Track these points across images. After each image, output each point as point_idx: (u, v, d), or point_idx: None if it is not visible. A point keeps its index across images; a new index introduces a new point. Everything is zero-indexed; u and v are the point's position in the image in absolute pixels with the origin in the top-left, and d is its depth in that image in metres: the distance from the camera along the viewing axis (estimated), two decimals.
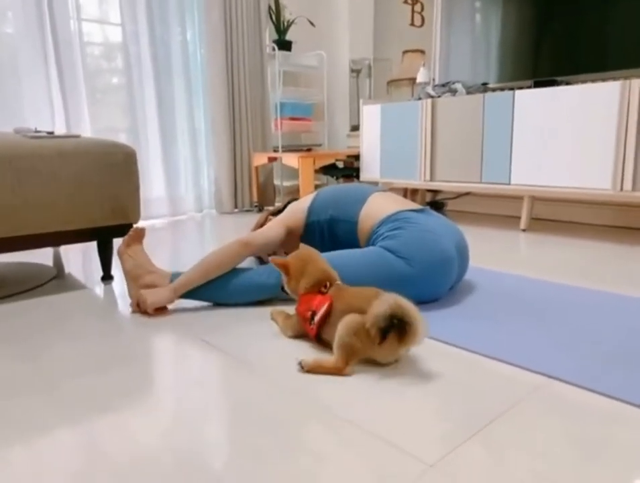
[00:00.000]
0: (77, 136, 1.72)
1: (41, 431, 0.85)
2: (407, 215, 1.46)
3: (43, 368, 1.09)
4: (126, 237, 1.52)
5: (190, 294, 1.43)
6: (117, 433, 0.84)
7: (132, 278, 1.47)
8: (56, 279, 1.84)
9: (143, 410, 0.91)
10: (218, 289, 1.43)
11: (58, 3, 2.76)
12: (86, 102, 2.95)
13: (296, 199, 1.79)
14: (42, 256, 2.23)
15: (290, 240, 1.60)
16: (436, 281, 1.41)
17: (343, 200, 1.58)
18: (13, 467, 0.75)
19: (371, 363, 1.05)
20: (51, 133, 1.74)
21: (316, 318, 1.11)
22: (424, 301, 1.42)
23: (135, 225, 1.80)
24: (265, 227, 1.59)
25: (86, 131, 2.94)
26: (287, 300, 1.41)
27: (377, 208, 1.52)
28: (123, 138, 3.17)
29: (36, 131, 1.77)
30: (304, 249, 1.27)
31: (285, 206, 1.83)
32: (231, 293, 1.44)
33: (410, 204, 1.54)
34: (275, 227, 1.57)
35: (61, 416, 0.89)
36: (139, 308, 1.41)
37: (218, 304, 1.47)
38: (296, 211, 1.64)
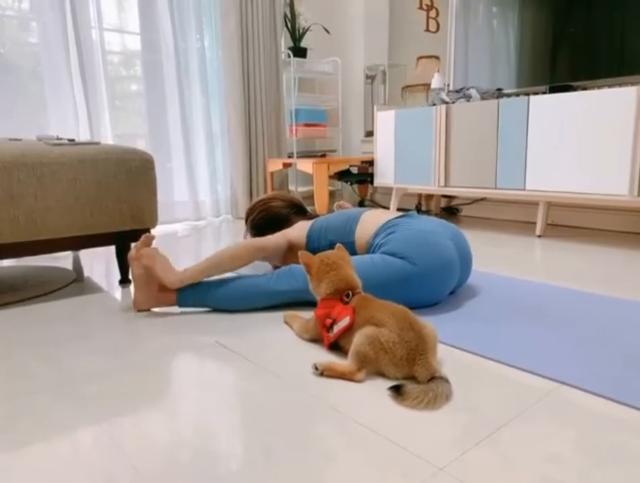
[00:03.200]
0: (97, 143, 1.76)
1: (61, 429, 0.88)
2: (396, 221, 1.53)
3: (62, 368, 1.12)
4: (138, 242, 1.49)
5: (194, 301, 1.46)
6: (135, 432, 0.86)
7: (141, 285, 1.46)
8: (76, 282, 1.88)
9: (159, 410, 0.93)
10: (225, 295, 1.44)
11: (80, 13, 2.84)
12: (108, 109, 3.02)
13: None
14: (62, 260, 2.28)
15: (292, 258, 1.60)
16: (438, 276, 1.42)
17: (339, 224, 1.61)
18: (34, 464, 0.78)
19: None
20: (72, 140, 1.79)
21: (336, 329, 1.12)
22: (428, 303, 1.45)
23: (152, 231, 1.83)
24: (270, 236, 1.62)
25: (108, 137, 3.01)
26: (297, 304, 1.44)
27: (369, 223, 1.56)
28: (143, 144, 3.24)
29: (58, 139, 1.82)
30: (335, 254, 1.25)
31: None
32: (238, 299, 1.45)
33: (399, 214, 1.60)
34: (280, 236, 1.61)
35: (80, 415, 0.92)
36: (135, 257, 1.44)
37: (226, 311, 1.47)
38: (298, 235, 1.65)
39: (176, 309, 1.49)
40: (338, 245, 1.30)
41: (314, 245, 1.60)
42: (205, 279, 1.47)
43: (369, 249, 1.53)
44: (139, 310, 1.49)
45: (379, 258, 1.41)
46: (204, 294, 1.45)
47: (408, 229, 1.47)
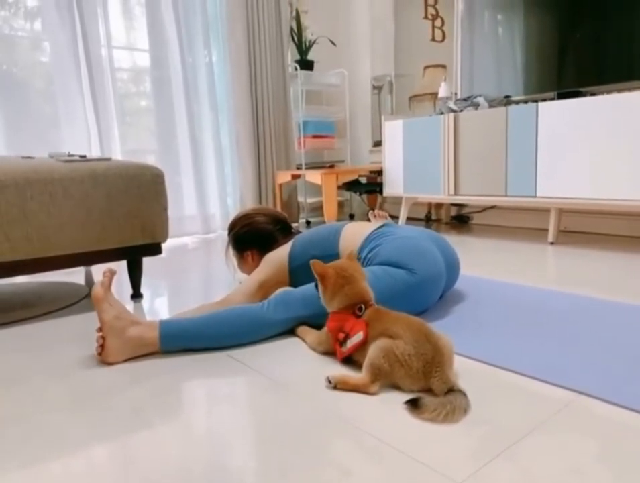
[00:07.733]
0: (108, 159, 1.78)
1: (75, 444, 0.87)
2: (378, 232, 1.52)
3: (75, 384, 1.12)
4: (104, 279, 1.26)
5: (183, 341, 1.28)
6: (148, 448, 0.86)
7: (115, 332, 1.22)
8: (88, 297, 1.89)
9: (173, 426, 0.93)
10: (218, 333, 1.28)
11: (90, 32, 2.89)
12: (117, 125, 3.06)
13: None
14: (74, 275, 2.30)
15: (275, 286, 1.54)
16: (434, 284, 1.42)
17: (320, 238, 1.58)
18: (48, 481, 0.78)
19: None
20: (84, 156, 1.81)
21: (349, 345, 1.10)
22: (419, 311, 1.43)
23: (162, 243, 1.84)
24: (241, 286, 1.56)
25: (118, 153, 3.05)
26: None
27: (353, 236, 1.54)
28: (152, 159, 3.27)
29: (69, 155, 1.84)
30: (349, 266, 1.21)
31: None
32: (235, 334, 1.30)
33: (378, 225, 1.58)
34: (247, 287, 1.54)
35: (93, 430, 0.92)
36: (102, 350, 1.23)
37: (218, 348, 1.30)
38: (275, 262, 1.60)
39: None
40: (350, 252, 1.27)
41: (298, 262, 1.56)
42: (191, 317, 1.32)
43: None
44: (111, 364, 1.23)
45: (380, 270, 1.37)
46: (194, 331, 1.28)
47: (395, 237, 1.46)
